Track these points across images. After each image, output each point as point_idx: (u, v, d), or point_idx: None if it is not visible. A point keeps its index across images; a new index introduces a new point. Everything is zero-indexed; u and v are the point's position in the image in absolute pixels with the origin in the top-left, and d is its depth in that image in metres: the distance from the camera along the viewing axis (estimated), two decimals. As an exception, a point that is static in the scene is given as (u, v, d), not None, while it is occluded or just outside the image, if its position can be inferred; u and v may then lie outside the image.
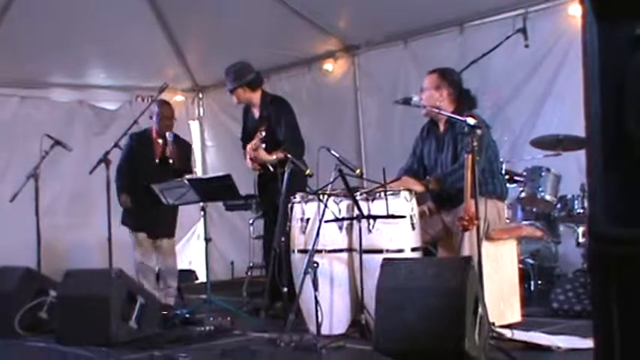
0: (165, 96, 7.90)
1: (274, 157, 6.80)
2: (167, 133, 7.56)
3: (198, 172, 10.66)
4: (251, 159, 7.02)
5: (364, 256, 5.42)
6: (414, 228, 5.53)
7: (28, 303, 6.41)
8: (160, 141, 7.63)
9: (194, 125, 11.50)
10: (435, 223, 5.93)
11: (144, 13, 9.42)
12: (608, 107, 2.24)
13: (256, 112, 7.22)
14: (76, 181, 9.36)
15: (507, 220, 6.78)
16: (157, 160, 7.55)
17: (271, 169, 6.67)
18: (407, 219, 5.47)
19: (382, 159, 8.06)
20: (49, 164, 7.95)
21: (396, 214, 5.42)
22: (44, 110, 9.95)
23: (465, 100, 5.97)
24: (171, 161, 7.46)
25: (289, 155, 6.49)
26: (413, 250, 5.50)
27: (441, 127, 6.02)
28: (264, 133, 6.80)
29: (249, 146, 6.92)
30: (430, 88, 5.99)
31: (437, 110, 5.80)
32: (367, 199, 5.55)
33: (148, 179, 7.20)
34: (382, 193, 5.49)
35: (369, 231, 5.46)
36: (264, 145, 6.81)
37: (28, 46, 9.02)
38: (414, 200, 5.60)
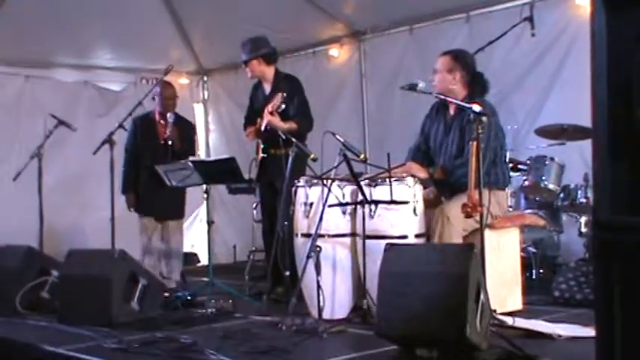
0: (169, 78, 7.90)
1: (287, 125, 6.81)
2: (168, 114, 7.57)
3: (202, 155, 10.68)
4: (257, 130, 7.01)
5: (368, 241, 5.43)
6: (417, 214, 5.53)
7: (30, 282, 6.43)
8: (164, 122, 7.64)
9: (198, 108, 11.50)
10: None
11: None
12: (616, 96, 2.25)
13: (267, 88, 7.23)
14: (80, 162, 9.36)
15: (510, 209, 6.79)
16: (161, 142, 7.57)
17: (283, 137, 6.65)
18: (410, 205, 5.48)
19: (386, 144, 8.08)
20: (52, 144, 8.00)
21: (400, 200, 5.43)
22: (49, 90, 9.94)
23: (477, 85, 5.90)
24: (170, 143, 7.47)
25: (299, 127, 6.79)
26: (417, 236, 5.51)
27: (451, 111, 5.94)
28: (285, 95, 6.79)
29: (267, 108, 6.88)
30: (443, 70, 5.89)
31: (443, 97, 5.77)
32: (370, 185, 5.55)
33: (154, 161, 7.21)
34: (386, 179, 5.49)
35: (372, 217, 5.47)
36: (283, 106, 6.81)
37: (33, 25, 9.02)
38: (417, 186, 5.60)
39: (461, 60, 5.92)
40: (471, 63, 5.97)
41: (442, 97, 5.77)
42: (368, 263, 5.37)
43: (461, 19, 8.29)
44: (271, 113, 6.81)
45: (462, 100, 5.66)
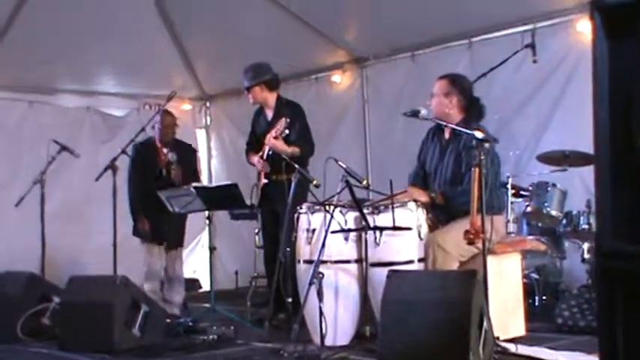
0: (172, 104, 7.93)
1: (290, 150, 6.82)
2: (170, 154, 7.59)
3: (204, 180, 10.67)
4: (261, 159, 7.01)
5: (374, 269, 5.43)
6: (421, 239, 5.52)
7: (31, 308, 6.41)
8: (165, 150, 7.68)
9: (200, 134, 11.51)
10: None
11: (153, 21, 9.46)
12: (618, 121, 2.25)
13: (269, 114, 7.25)
14: (82, 188, 9.34)
15: (512, 235, 6.77)
16: (163, 170, 7.60)
17: (287, 160, 6.66)
18: (414, 230, 5.47)
19: (388, 171, 8.06)
20: (55, 170, 7.99)
21: (403, 225, 5.41)
22: (52, 116, 9.95)
23: (474, 109, 5.93)
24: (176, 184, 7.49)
25: (301, 152, 6.83)
26: (420, 260, 5.49)
27: (446, 135, 5.98)
28: (288, 120, 6.81)
29: (269, 134, 6.90)
30: (440, 94, 5.94)
31: (444, 123, 5.78)
32: (374, 212, 5.54)
33: (155, 188, 7.20)
34: (389, 205, 5.48)
35: (377, 244, 5.46)
36: (287, 132, 6.82)
37: (36, 51, 9.04)
38: (420, 210, 5.58)
39: (458, 84, 5.96)
40: (468, 88, 6.01)
41: (443, 123, 5.79)
42: (375, 291, 5.34)
43: (463, 45, 8.30)
44: (275, 138, 6.82)
45: (457, 125, 5.69)
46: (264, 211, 7.32)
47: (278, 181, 6.87)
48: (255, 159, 7.17)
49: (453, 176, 5.79)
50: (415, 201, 5.64)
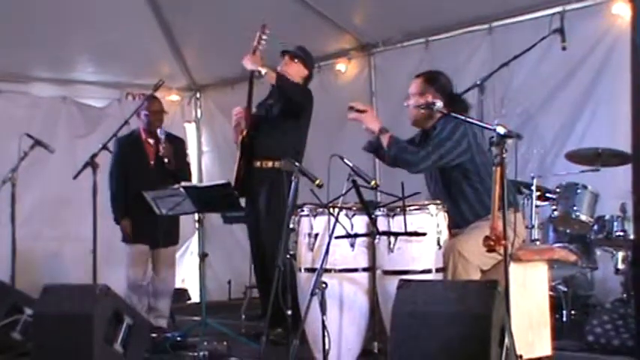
0: (159, 95, 7.92)
1: (268, 70, 6.92)
2: (158, 130, 7.58)
3: (194, 179, 10.66)
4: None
5: (386, 278, 5.42)
6: (440, 246, 5.51)
7: (0, 321, 6.40)
8: (151, 141, 7.67)
9: (190, 128, 11.52)
10: None
11: (138, 3, 9.44)
12: (660, 115, 2.24)
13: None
14: (59, 187, 9.35)
15: (537, 242, 6.76)
16: (151, 162, 7.60)
17: (262, 72, 6.84)
18: (431, 236, 5.45)
19: (398, 170, 8.06)
20: (28, 167, 7.99)
21: (419, 230, 5.39)
22: (24, 106, 9.97)
23: (455, 106, 5.93)
24: (166, 160, 7.49)
25: (280, 82, 6.96)
26: (437, 270, 5.48)
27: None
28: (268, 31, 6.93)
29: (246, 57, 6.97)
30: (415, 93, 6.01)
31: (462, 117, 5.77)
32: (388, 215, 5.53)
33: (143, 184, 7.18)
34: (404, 208, 5.46)
35: (390, 250, 5.45)
36: (265, 37, 6.95)
37: (7, 35, 9.02)
38: (440, 215, 5.56)
39: (434, 82, 6.03)
40: (445, 84, 6.06)
41: (461, 117, 5.78)
42: (386, 303, 5.33)
43: (482, 30, 8.32)
44: (254, 52, 6.85)
45: (437, 122, 5.82)
46: (247, 205, 7.24)
47: (262, 169, 6.87)
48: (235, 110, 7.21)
49: (446, 185, 5.83)
50: (436, 205, 5.61)
